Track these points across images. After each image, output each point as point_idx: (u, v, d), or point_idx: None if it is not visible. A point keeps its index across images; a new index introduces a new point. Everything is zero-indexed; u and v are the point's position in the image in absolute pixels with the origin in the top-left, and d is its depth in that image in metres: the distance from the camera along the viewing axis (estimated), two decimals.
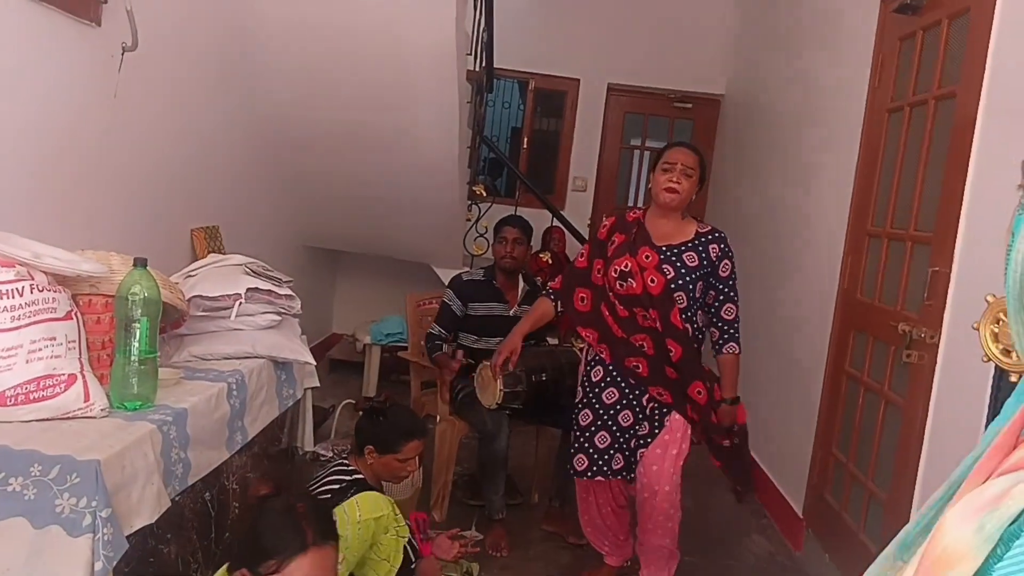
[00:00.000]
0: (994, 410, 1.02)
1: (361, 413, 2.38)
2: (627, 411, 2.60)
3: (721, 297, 2.54)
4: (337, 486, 2.22)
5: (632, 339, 2.55)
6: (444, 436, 3.22)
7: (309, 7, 3.22)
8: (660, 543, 2.63)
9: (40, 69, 2.10)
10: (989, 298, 0.97)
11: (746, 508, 3.77)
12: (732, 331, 2.56)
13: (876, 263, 2.91)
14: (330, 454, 3.26)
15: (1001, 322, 0.95)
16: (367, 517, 2.01)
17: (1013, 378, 0.95)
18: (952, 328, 2.25)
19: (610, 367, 2.61)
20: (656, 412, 2.59)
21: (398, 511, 2.13)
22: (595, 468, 2.62)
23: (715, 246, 2.51)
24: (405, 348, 3.90)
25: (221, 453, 2.01)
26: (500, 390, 2.94)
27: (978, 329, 0.97)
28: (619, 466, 2.62)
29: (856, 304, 3.03)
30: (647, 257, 2.50)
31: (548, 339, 3.71)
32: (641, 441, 2.60)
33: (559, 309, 2.80)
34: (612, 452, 2.61)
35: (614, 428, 2.61)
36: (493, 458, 3.06)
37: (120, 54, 2.41)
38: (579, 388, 2.75)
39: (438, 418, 3.28)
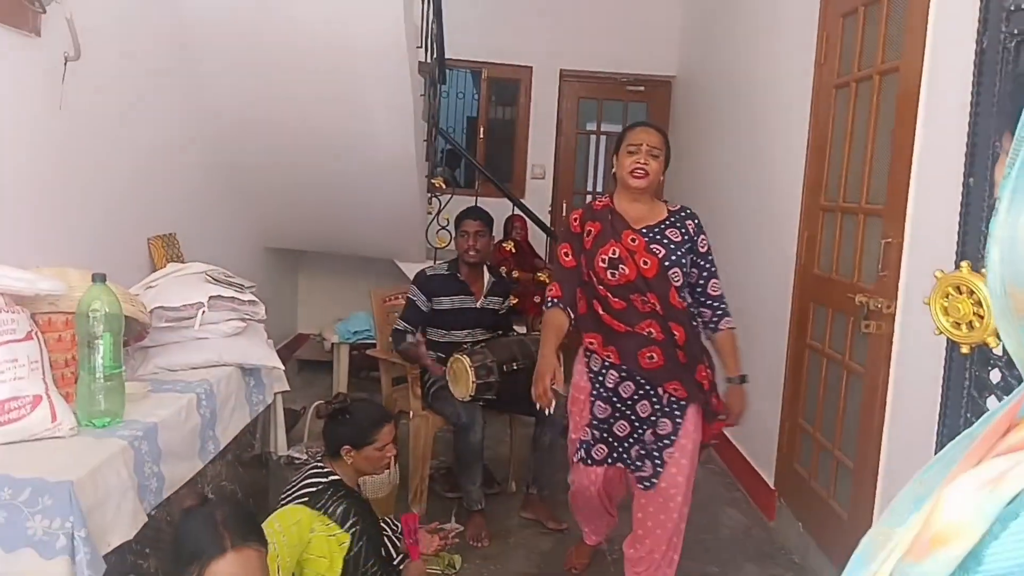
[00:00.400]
0: (948, 381, 1.06)
1: (326, 418, 2.38)
2: (645, 401, 2.47)
3: (704, 274, 2.47)
4: (313, 489, 2.22)
5: (637, 329, 2.40)
6: (418, 431, 3.23)
7: (253, 9, 3.18)
8: (662, 555, 2.49)
9: None
10: (937, 274, 1.00)
11: (718, 479, 3.84)
12: (723, 306, 2.49)
13: (831, 237, 2.97)
14: (304, 457, 3.25)
15: (950, 296, 0.98)
16: (287, 524, 2.01)
17: (964, 350, 0.99)
18: (907, 298, 2.32)
19: (623, 368, 2.45)
20: (675, 407, 2.45)
21: (323, 521, 2.12)
22: (615, 455, 2.52)
23: (690, 222, 2.46)
24: (373, 345, 3.89)
25: (195, 464, 2.00)
26: (472, 382, 2.95)
27: (929, 304, 1.01)
28: (636, 455, 2.50)
29: (814, 278, 3.10)
30: (633, 240, 2.39)
31: (516, 328, 3.74)
32: (664, 441, 2.46)
33: (572, 317, 2.54)
34: (631, 442, 2.50)
35: (632, 418, 2.49)
36: (469, 450, 3.08)
37: (63, 64, 2.36)
38: (583, 392, 2.58)
39: (411, 413, 3.28)
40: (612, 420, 2.52)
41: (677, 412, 2.45)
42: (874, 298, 2.51)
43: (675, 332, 2.39)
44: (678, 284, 2.38)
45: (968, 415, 1.04)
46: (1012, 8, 0.97)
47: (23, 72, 2.22)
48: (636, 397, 2.48)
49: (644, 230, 2.41)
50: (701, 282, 2.47)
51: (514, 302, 3.89)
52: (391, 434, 2.35)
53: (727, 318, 2.49)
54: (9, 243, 2.17)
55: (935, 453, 1.10)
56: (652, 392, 2.46)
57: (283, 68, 3.44)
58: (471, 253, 3.38)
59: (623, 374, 2.47)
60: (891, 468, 2.39)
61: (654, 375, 2.42)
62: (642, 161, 2.38)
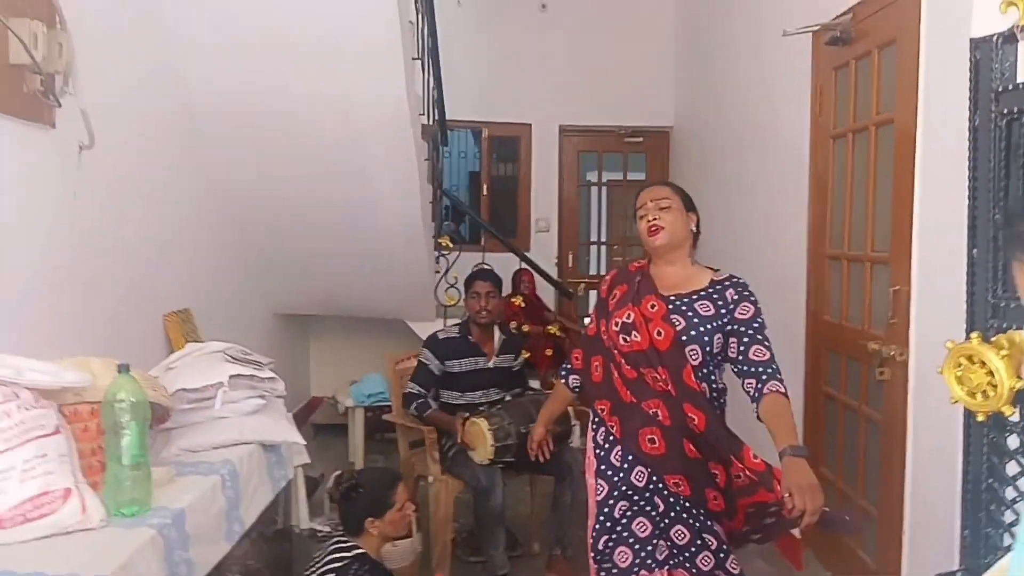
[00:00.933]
0: (968, 447, 1.08)
1: (339, 501, 2.40)
2: (657, 496, 2.16)
3: (745, 339, 2.09)
4: (339, 564, 2.22)
5: (644, 405, 2.14)
6: (439, 496, 3.22)
7: (258, 85, 3.28)
8: None
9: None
10: (949, 345, 1.03)
11: None
12: (769, 369, 2.06)
13: (839, 285, 3.01)
14: (327, 529, 3.24)
15: (963, 365, 1.01)
16: None
17: (980, 418, 1.01)
18: (919, 344, 2.34)
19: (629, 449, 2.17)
20: (696, 513, 2.14)
21: None
22: (638, 561, 2.12)
23: (731, 291, 2.14)
24: (388, 407, 3.90)
25: (222, 547, 2.01)
26: (491, 445, 2.96)
27: (943, 374, 1.04)
28: (663, 556, 2.12)
29: (825, 325, 3.12)
30: (652, 307, 2.14)
31: (531, 382, 3.75)
32: (683, 555, 2.12)
33: (575, 388, 2.47)
34: (655, 540, 2.13)
35: (652, 512, 2.14)
36: (490, 513, 3.07)
37: (78, 153, 2.43)
38: (596, 472, 2.26)
39: (430, 478, 3.28)
40: (629, 516, 2.16)
41: (698, 521, 2.12)
42: (887, 345, 2.53)
43: (692, 416, 2.08)
44: (696, 363, 2.09)
45: (990, 480, 1.05)
46: (1000, 89, 1.01)
47: (39, 163, 2.29)
48: (651, 489, 2.15)
49: (672, 297, 2.15)
50: (742, 349, 2.09)
51: (526, 356, 3.91)
52: (406, 491, 2.39)
53: (773, 381, 2.04)
54: (29, 333, 2.21)
55: (960, 518, 1.13)
56: (663, 485, 2.14)
57: (289, 142, 3.53)
58: (483, 314, 3.41)
59: (629, 456, 2.17)
60: (916, 516, 2.38)
61: (654, 462, 2.13)
62: (652, 218, 2.19)
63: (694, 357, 2.09)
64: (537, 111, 6.24)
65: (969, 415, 1.05)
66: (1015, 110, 0.99)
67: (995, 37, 1.01)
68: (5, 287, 2.13)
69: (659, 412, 2.12)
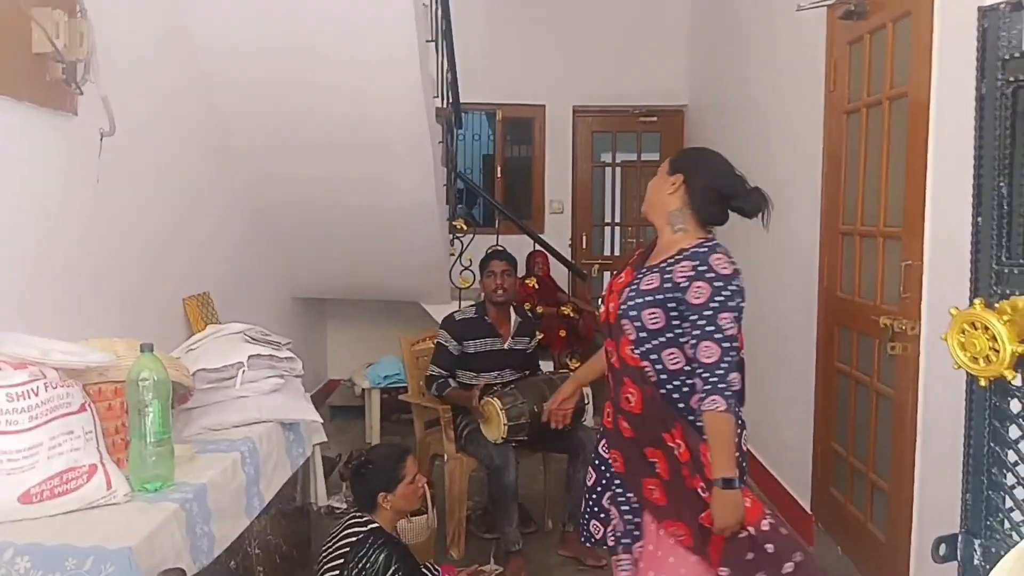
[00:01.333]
0: (970, 412, 1.10)
1: (350, 478, 2.45)
2: (609, 472, 2.12)
3: (696, 332, 1.83)
4: (354, 539, 2.27)
5: (609, 378, 2.09)
6: (453, 474, 3.27)
7: (276, 70, 3.31)
8: None
9: (22, 164, 2.15)
10: (952, 311, 1.05)
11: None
12: (713, 379, 1.81)
13: (851, 260, 3.00)
14: (344, 506, 3.30)
15: (966, 332, 1.03)
16: None
17: (982, 383, 1.02)
18: (931, 319, 2.34)
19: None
20: (628, 501, 2.07)
21: None
22: (609, 532, 2.13)
23: (686, 263, 1.89)
24: (404, 388, 3.95)
25: (241, 521, 2.06)
26: (504, 424, 3.00)
27: (947, 340, 1.05)
28: (622, 532, 2.09)
29: (837, 301, 3.12)
30: (623, 278, 2.05)
31: (542, 364, 3.78)
32: (631, 536, 2.07)
33: None
34: (615, 516, 2.11)
35: (611, 486, 2.12)
36: (503, 491, 3.11)
37: (99, 140, 2.47)
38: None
39: (445, 456, 3.33)
40: (599, 491, 2.14)
41: (630, 506, 2.05)
42: (898, 320, 2.53)
43: (628, 393, 1.95)
44: (632, 337, 1.93)
45: (992, 444, 1.07)
46: (1007, 57, 1.02)
47: (62, 150, 2.33)
48: (607, 463, 2.12)
49: (644, 268, 2.01)
50: (692, 343, 1.85)
51: (540, 337, 3.94)
52: (415, 464, 2.45)
53: (712, 397, 1.80)
54: (55, 315, 2.27)
55: (962, 482, 1.14)
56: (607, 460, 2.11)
57: (306, 127, 3.56)
58: (499, 292, 3.44)
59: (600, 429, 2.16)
60: (926, 490, 2.40)
61: (607, 434, 2.10)
62: (655, 186, 2.08)
63: (628, 332, 1.94)
64: (551, 92, 6.23)
65: (972, 380, 1.07)
66: (1021, 78, 1.00)
67: (1002, 5, 1.02)
68: (31, 271, 2.19)
69: (609, 380, 2.07)
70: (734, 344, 1.83)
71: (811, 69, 3.33)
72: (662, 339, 1.90)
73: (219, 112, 3.45)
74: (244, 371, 2.30)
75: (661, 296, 1.90)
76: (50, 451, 1.63)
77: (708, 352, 1.82)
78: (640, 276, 1.98)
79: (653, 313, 1.90)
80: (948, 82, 2.27)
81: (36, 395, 1.63)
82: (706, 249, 1.91)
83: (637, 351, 1.93)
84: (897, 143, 2.65)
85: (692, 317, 1.85)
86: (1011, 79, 1.00)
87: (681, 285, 1.87)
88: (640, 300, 1.92)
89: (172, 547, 1.66)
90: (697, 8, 5.81)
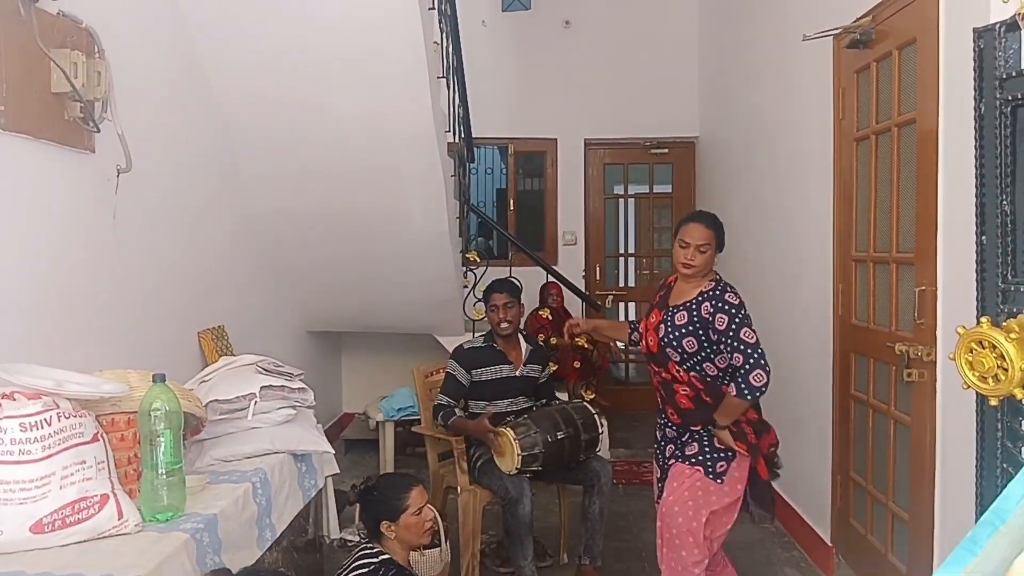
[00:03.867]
0: (981, 432, 1.09)
1: (356, 504, 2.44)
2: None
3: (728, 349, 2.55)
4: (366, 570, 2.25)
5: (658, 387, 2.78)
6: (467, 506, 3.24)
7: (290, 106, 3.37)
8: None
9: (41, 200, 2.20)
10: (960, 330, 1.04)
11: (775, 540, 3.76)
12: (737, 376, 2.52)
13: (865, 287, 2.99)
14: (356, 539, 3.27)
15: (974, 351, 1.02)
16: None
17: (993, 402, 1.01)
18: (946, 344, 2.32)
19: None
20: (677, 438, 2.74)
21: None
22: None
23: (707, 304, 2.57)
24: (418, 421, 3.94)
25: (253, 552, 2.05)
26: (518, 454, 2.98)
27: (955, 360, 1.04)
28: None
29: (852, 328, 3.10)
30: (653, 318, 2.73)
31: (557, 395, 3.76)
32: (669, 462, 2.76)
33: (633, 337, 2.97)
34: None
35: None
36: (518, 523, 3.08)
37: (116, 176, 2.52)
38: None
39: (459, 488, 3.30)
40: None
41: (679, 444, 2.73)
42: (914, 346, 2.51)
43: (679, 397, 2.67)
44: (676, 360, 2.64)
45: (1004, 465, 1.05)
46: (1004, 76, 1.02)
47: (80, 187, 2.38)
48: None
49: (671, 308, 2.67)
50: (728, 356, 2.56)
51: (554, 368, 3.93)
52: (422, 496, 2.39)
53: (731, 385, 2.54)
54: (72, 348, 2.29)
55: (975, 503, 1.12)
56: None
57: (320, 162, 3.62)
58: (503, 325, 3.43)
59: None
60: (947, 519, 2.35)
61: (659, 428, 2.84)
62: (689, 257, 2.63)
63: (672, 357, 2.64)
64: (562, 126, 6.29)
65: (982, 400, 1.05)
66: (1019, 96, 1.00)
67: (998, 25, 1.02)
68: (49, 304, 2.22)
69: (661, 392, 2.76)
70: (757, 347, 2.52)
71: (819, 98, 3.35)
72: (698, 357, 2.61)
73: (234, 149, 3.51)
74: (256, 402, 2.31)
75: (691, 329, 2.59)
76: (62, 481, 1.64)
77: (737, 359, 2.53)
78: (670, 314, 2.66)
79: (689, 341, 2.60)
80: (955, 107, 2.27)
81: (49, 425, 1.65)
82: (717, 291, 2.61)
83: (682, 368, 2.64)
84: (907, 169, 2.66)
85: (722, 339, 2.55)
86: (1009, 98, 1.01)
87: (705, 319, 2.57)
88: (676, 333, 2.62)
89: None
90: (706, 40, 5.88)
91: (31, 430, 1.62)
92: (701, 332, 2.57)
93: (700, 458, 2.63)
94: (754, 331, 2.52)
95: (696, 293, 2.62)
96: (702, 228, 2.65)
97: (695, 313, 2.59)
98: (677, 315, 2.63)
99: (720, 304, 2.55)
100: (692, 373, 2.62)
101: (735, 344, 2.51)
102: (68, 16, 2.24)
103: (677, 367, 2.64)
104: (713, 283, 2.63)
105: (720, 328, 2.53)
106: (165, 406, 1.81)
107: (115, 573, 1.52)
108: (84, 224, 2.41)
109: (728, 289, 2.59)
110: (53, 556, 1.59)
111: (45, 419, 1.65)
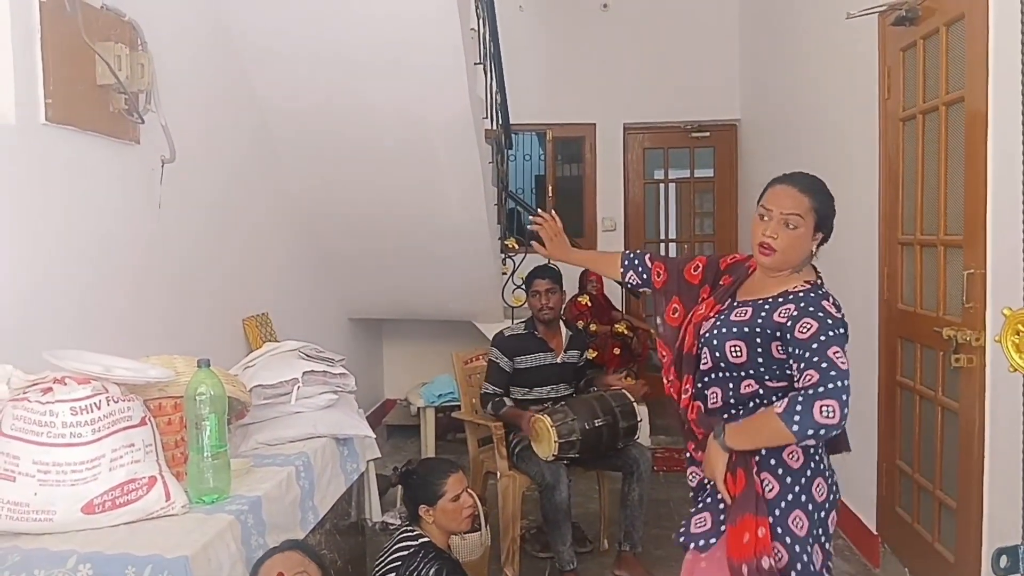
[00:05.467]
0: None
1: (398, 486, 2.47)
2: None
3: (802, 364, 1.73)
4: (405, 552, 2.28)
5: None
6: (507, 492, 3.26)
7: (328, 95, 3.40)
8: None
9: (88, 190, 2.27)
10: (1005, 311, 1.01)
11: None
12: (798, 396, 1.70)
13: (912, 270, 2.92)
14: (398, 522, 3.32)
15: (1021, 332, 0.99)
16: None
17: None
18: (995, 329, 2.25)
19: None
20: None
21: None
22: None
23: (791, 307, 1.80)
24: (458, 407, 3.97)
25: (296, 534, 2.09)
26: (555, 441, 2.99)
27: (1000, 342, 1.01)
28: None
29: (898, 313, 3.03)
30: (703, 308, 1.97)
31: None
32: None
33: (628, 279, 2.24)
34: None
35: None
36: (555, 509, 3.09)
37: (160, 167, 2.57)
38: None
39: (499, 474, 3.32)
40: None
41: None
42: (962, 331, 2.44)
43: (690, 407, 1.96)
44: (704, 367, 1.91)
45: None
46: None
47: (126, 177, 2.44)
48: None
49: (737, 303, 1.92)
50: (796, 376, 1.75)
51: (593, 355, 3.92)
52: (461, 482, 2.41)
53: (781, 401, 1.73)
54: (120, 335, 2.36)
55: (1023, 488, 1.09)
56: None
57: (359, 151, 3.65)
58: (545, 311, 3.44)
59: None
60: (995, 507, 2.29)
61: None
62: (769, 233, 1.82)
63: (703, 363, 1.90)
64: (601, 110, 6.24)
65: None
66: None
67: None
68: (96, 293, 2.29)
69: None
70: (845, 376, 1.73)
71: (864, 77, 3.27)
72: (736, 374, 1.85)
73: (274, 138, 3.56)
74: (299, 387, 2.35)
75: (751, 330, 1.82)
76: (112, 463, 1.69)
77: (808, 378, 1.71)
78: (731, 310, 1.90)
79: (736, 346, 1.83)
80: (1006, 85, 2.20)
81: (99, 408, 1.70)
82: (813, 293, 1.84)
83: (698, 385, 1.92)
84: (955, 149, 2.58)
85: (797, 352, 1.75)
86: None
87: (783, 324, 1.78)
88: (725, 330, 1.86)
89: (228, 557, 1.70)
90: (746, 21, 5.77)
91: (81, 414, 1.67)
92: (761, 340, 1.81)
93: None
94: (847, 357, 1.75)
95: (779, 291, 1.85)
96: (794, 193, 1.84)
97: (765, 314, 1.82)
98: (737, 311, 1.88)
99: (812, 309, 1.78)
100: (701, 399, 1.92)
101: (815, 360, 1.71)
102: (111, 10, 2.29)
103: (693, 382, 1.92)
104: (809, 284, 1.86)
105: (801, 337, 1.74)
106: (210, 391, 1.85)
107: (163, 553, 1.56)
108: (130, 214, 2.47)
109: (830, 297, 1.85)
110: (103, 536, 1.64)
111: (95, 403, 1.70)
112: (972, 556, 2.40)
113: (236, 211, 3.26)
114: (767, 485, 1.80)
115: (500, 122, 4.64)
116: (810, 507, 1.83)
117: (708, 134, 6.27)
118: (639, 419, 3.28)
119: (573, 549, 3.17)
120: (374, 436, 2.67)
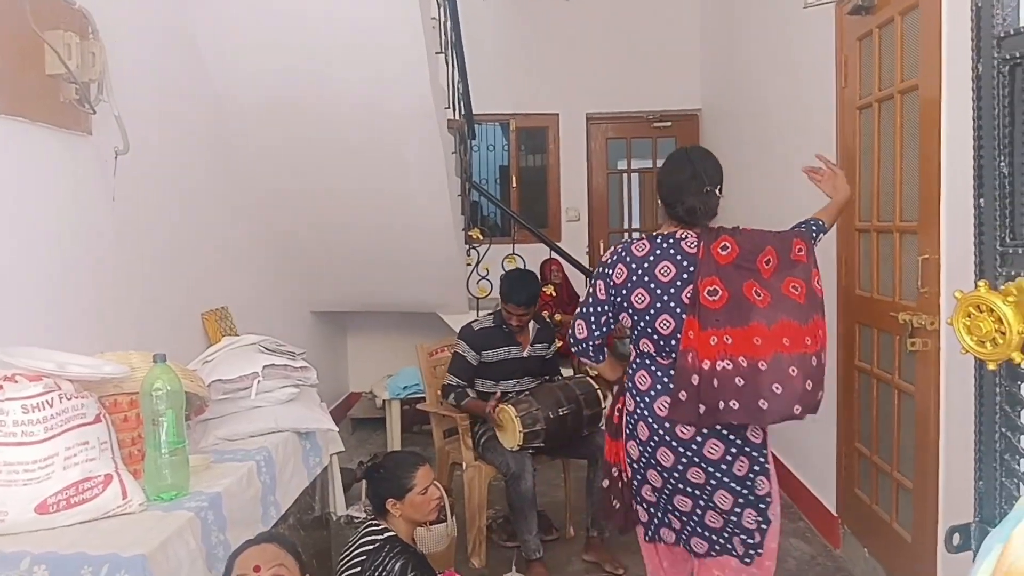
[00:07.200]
0: (980, 397, 1.08)
1: (363, 481, 2.46)
2: None
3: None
4: (371, 547, 2.27)
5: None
6: (472, 482, 3.26)
7: (286, 85, 3.35)
8: None
9: (38, 183, 2.20)
10: (957, 294, 1.03)
11: (782, 512, 3.77)
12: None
13: (869, 257, 2.97)
14: (363, 515, 3.29)
15: (972, 315, 1.01)
16: None
17: (991, 366, 1.00)
18: (949, 312, 2.30)
19: None
20: None
21: None
22: None
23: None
24: (423, 399, 3.95)
25: (258, 529, 2.06)
26: (519, 431, 2.99)
27: (953, 325, 1.03)
28: None
29: (856, 299, 3.08)
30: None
31: (563, 371, 3.76)
32: None
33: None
34: None
35: None
36: (521, 498, 3.09)
37: (114, 158, 2.51)
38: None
39: (464, 465, 3.32)
40: None
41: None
42: (917, 315, 2.49)
43: None
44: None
45: (1004, 430, 1.05)
46: (1001, 35, 1.00)
47: (77, 169, 2.38)
48: None
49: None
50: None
51: (560, 345, 3.91)
52: (428, 475, 2.41)
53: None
54: (74, 331, 2.30)
55: (975, 468, 1.11)
56: None
57: (319, 141, 3.60)
58: (515, 325, 3.41)
59: None
60: (951, 487, 2.35)
61: None
62: None
63: None
64: (564, 100, 6.25)
65: (980, 365, 1.04)
66: (1018, 55, 0.98)
67: None
68: (50, 287, 2.23)
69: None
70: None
71: (822, 66, 3.31)
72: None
73: (232, 127, 3.50)
74: (259, 381, 2.32)
75: None
76: (65, 461, 1.65)
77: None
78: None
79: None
80: (958, 72, 2.24)
81: (51, 406, 1.65)
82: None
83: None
84: (910, 137, 2.63)
85: None
86: (1007, 57, 0.99)
87: None
88: None
89: (187, 554, 1.67)
90: (708, 11, 5.81)
91: (33, 411, 1.63)
92: None
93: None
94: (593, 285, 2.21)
95: None
96: None
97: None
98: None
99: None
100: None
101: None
102: None
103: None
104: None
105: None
106: (166, 386, 1.81)
107: (119, 551, 1.53)
108: (83, 207, 2.41)
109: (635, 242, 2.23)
110: (58, 536, 1.60)
111: (47, 400, 1.65)
112: (929, 535, 2.46)
113: (194, 203, 3.20)
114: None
115: (463, 112, 4.62)
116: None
117: (670, 124, 6.31)
118: (603, 406, 3.29)
119: (539, 538, 3.18)
120: (337, 429, 2.64)
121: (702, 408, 1.97)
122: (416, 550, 2.40)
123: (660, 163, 6.35)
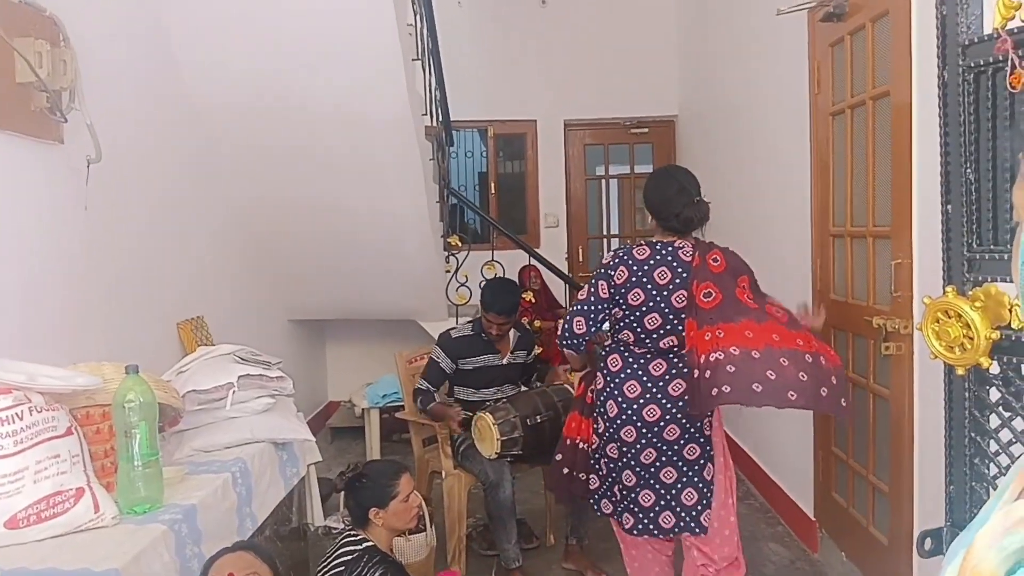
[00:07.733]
0: (949, 402, 1.09)
1: (343, 491, 2.45)
2: None
3: None
4: (349, 557, 2.25)
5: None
6: (452, 490, 3.24)
7: (263, 92, 3.33)
8: None
9: (8, 193, 2.16)
10: (926, 300, 1.04)
11: (759, 515, 3.79)
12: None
13: (843, 262, 3.00)
14: (341, 526, 3.27)
15: (941, 320, 1.02)
16: None
17: (959, 371, 1.02)
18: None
19: None
20: None
21: None
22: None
23: None
24: (402, 407, 3.94)
25: (234, 541, 2.04)
26: (497, 439, 2.98)
27: (922, 330, 1.04)
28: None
29: (831, 303, 3.10)
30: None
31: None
32: None
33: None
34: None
35: None
36: (500, 507, 3.09)
37: (86, 167, 2.47)
38: None
39: (444, 473, 3.30)
40: None
41: None
42: (891, 319, 2.52)
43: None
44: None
45: (972, 434, 1.06)
46: (966, 43, 1.02)
47: (50, 179, 2.34)
48: None
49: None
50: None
51: (540, 351, 3.91)
52: (410, 483, 2.42)
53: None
54: (47, 342, 2.27)
55: (945, 472, 1.13)
56: None
57: (296, 148, 3.58)
58: (495, 334, 3.40)
59: None
60: (926, 491, 2.37)
61: None
62: None
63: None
64: (541, 107, 6.26)
65: (950, 370, 1.06)
66: (981, 63, 1.00)
67: None
68: (21, 297, 2.19)
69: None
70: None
71: (795, 73, 3.35)
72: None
73: (207, 136, 3.47)
74: (234, 391, 2.29)
75: None
76: (36, 475, 1.62)
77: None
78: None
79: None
80: (927, 78, 2.26)
81: (21, 419, 1.62)
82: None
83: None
84: (882, 142, 2.66)
85: None
86: (972, 64, 1.00)
87: None
88: None
89: (161, 568, 1.65)
90: (684, 18, 5.86)
91: (2, 424, 1.60)
92: None
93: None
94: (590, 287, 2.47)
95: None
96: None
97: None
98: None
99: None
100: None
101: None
102: (31, 4, 2.19)
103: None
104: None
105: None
106: (139, 398, 1.79)
107: (92, 566, 1.51)
108: (54, 216, 2.37)
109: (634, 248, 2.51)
110: (29, 551, 1.57)
111: (16, 413, 1.63)
112: (904, 539, 2.48)
113: (168, 212, 3.16)
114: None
115: (440, 119, 4.62)
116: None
117: (647, 130, 6.35)
118: None
119: (519, 546, 3.17)
120: (314, 439, 2.62)
121: (699, 396, 2.19)
122: (395, 560, 2.38)
123: (637, 169, 6.45)
